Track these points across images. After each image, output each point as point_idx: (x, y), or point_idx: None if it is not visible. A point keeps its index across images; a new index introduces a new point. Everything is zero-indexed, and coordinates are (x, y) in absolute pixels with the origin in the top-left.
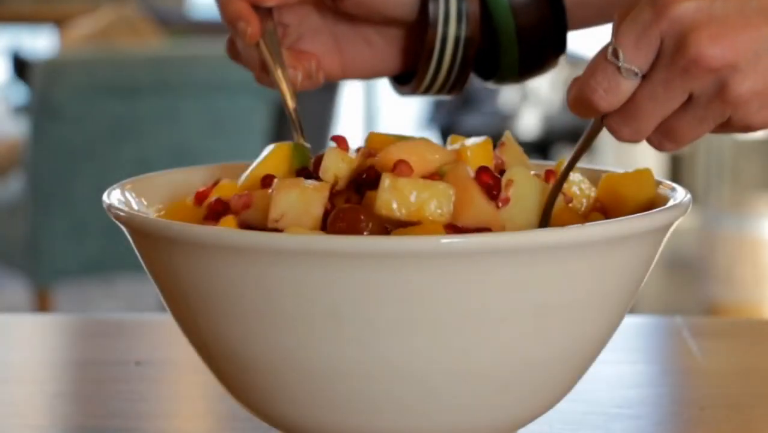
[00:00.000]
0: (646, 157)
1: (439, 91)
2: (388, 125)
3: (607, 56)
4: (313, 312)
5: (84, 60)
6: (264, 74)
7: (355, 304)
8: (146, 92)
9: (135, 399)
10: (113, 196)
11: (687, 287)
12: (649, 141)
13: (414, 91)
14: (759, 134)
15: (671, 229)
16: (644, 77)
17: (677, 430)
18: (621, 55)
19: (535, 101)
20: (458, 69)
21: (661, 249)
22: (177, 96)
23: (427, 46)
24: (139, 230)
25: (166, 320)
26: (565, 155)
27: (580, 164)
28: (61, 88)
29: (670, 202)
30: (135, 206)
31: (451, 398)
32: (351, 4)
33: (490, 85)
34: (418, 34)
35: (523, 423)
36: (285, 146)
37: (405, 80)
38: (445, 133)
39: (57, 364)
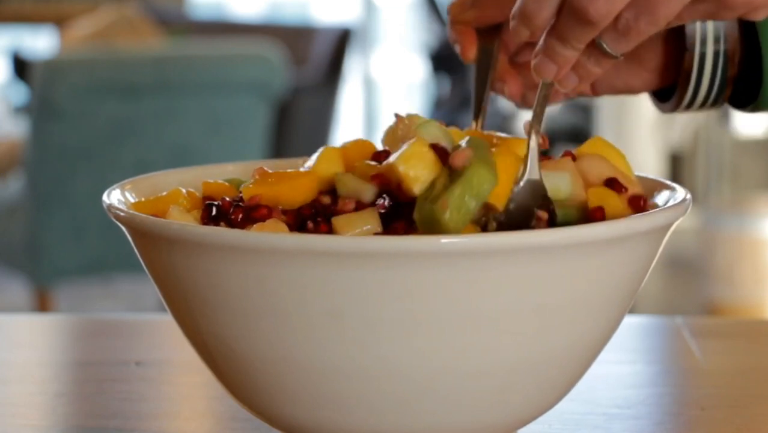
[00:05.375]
0: (646, 157)
1: (701, 108)
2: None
3: None
4: (313, 312)
5: (84, 60)
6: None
7: (355, 304)
8: (146, 92)
9: (135, 399)
10: (113, 197)
11: (687, 287)
12: (620, 16)
13: (674, 109)
14: (759, 134)
15: (671, 229)
16: None
17: (677, 430)
18: None
19: None
20: (718, 86)
21: (661, 249)
22: (177, 96)
23: (685, 66)
24: (139, 230)
25: (166, 320)
26: None
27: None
28: (61, 88)
29: (670, 203)
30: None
31: (451, 398)
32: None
33: (744, 112)
34: (674, 51)
35: (523, 423)
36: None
37: (664, 96)
38: None
39: (57, 364)
